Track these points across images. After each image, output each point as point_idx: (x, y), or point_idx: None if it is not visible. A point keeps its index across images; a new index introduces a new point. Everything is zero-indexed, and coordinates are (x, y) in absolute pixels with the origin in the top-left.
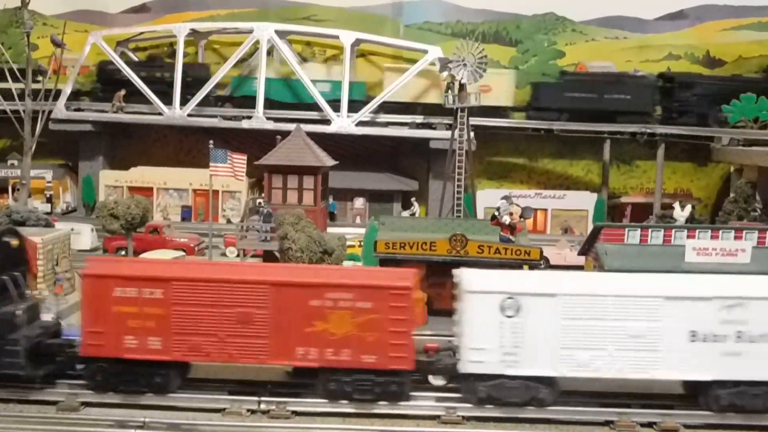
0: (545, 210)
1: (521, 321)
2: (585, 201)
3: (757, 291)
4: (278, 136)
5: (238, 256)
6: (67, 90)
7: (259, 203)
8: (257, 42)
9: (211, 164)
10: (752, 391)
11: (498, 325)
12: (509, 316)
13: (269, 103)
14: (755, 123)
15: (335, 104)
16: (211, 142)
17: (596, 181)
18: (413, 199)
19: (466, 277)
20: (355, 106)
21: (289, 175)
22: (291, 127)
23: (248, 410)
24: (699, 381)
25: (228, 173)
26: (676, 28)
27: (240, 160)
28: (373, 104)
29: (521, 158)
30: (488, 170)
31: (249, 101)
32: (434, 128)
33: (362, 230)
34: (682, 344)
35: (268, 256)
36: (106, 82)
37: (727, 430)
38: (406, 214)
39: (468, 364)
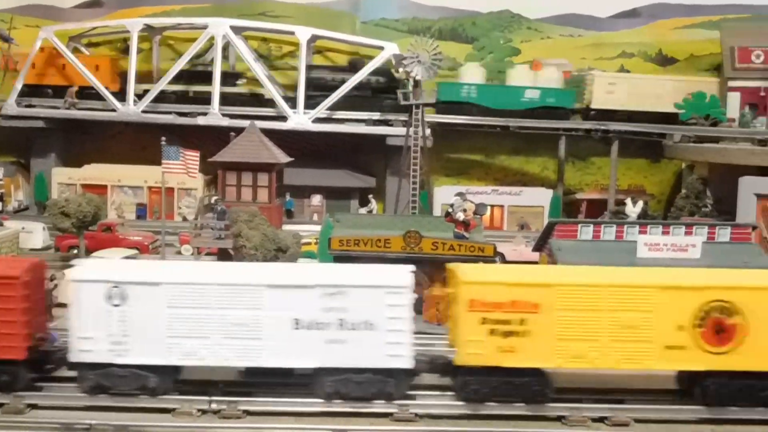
0: (502, 206)
1: (128, 310)
2: (541, 197)
3: (356, 279)
4: (232, 133)
5: (193, 254)
6: (18, 86)
7: (215, 201)
8: (212, 38)
9: (163, 161)
10: (356, 378)
11: (105, 314)
12: (116, 305)
13: (477, 109)
14: (706, 120)
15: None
16: (163, 138)
17: (552, 178)
18: (371, 196)
19: (75, 268)
20: (557, 113)
21: (243, 172)
22: (247, 124)
23: (199, 410)
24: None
25: (181, 170)
26: (629, 26)
27: (193, 157)
28: (328, 101)
29: (479, 155)
30: (446, 167)
31: (454, 107)
32: (391, 125)
33: (319, 227)
34: (286, 332)
35: (222, 255)
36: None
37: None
38: (363, 211)
39: (78, 353)
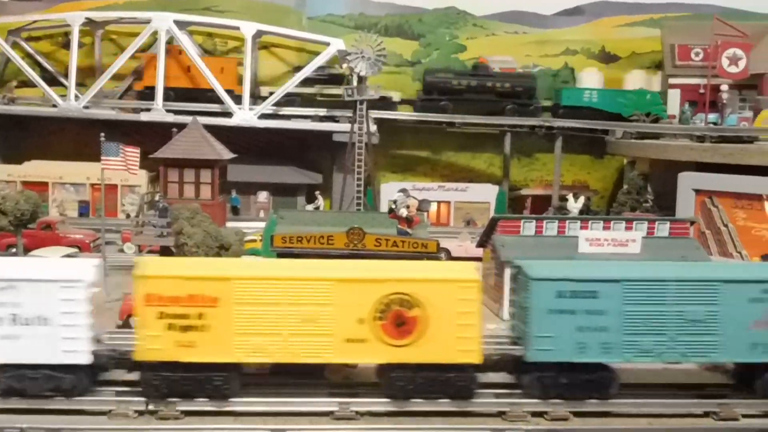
0: (448, 202)
1: None
2: (487, 193)
3: (28, 273)
4: (174, 129)
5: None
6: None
7: (156, 198)
8: (156, 33)
9: (102, 158)
10: (31, 374)
11: None
12: None
13: (590, 112)
14: (647, 117)
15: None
16: (102, 134)
17: (498, 174)
18: (317, 192)
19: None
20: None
21: (185, 168)
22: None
23: (136, 411)
24: None
25: (120, 167)
26: (573, 24)
27: (133, 154)
28: (274, 97)
29: (425, 151)
30: (393, 163)
31: (576, 112)
32: (337, 121)
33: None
34: None
35: (164, 252)
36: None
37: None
38: (310, 207)
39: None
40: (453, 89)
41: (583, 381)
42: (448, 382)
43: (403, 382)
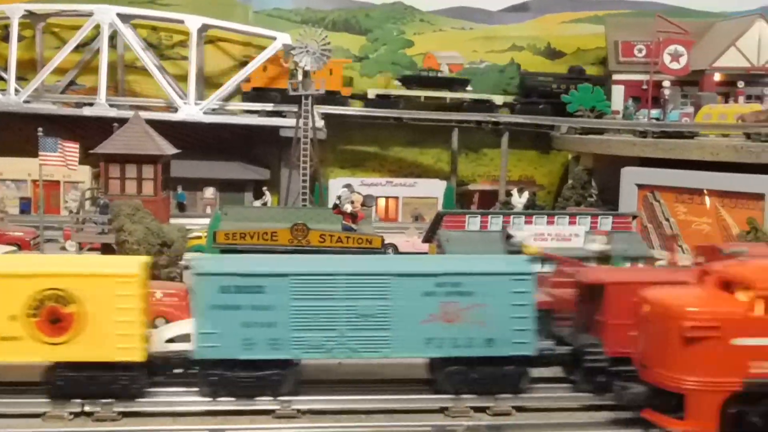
0: (397, 198)
1: None
2: (435, 189)
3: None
4: (115, 124)
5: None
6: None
7: (98, 194)
8: (99, 26)
9: (40, 153)
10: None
11: None
12: None
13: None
14: (591, 112)
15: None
16: (39, 129)
17: (446, 169)
18: (265, 188)
19: None
20: None
21: (127, 164)
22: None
23: (71, 413)
24: None
25: (59, 162)
26: (519, 20)
27: (72, 149)
28: (220, 92)
29: (373, 147)
30: (341, 159)
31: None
32: (284, 116)
33: None
34: None
35: (106, 250)
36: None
37: None
38: (258, 203)
39: None
40: (552, 92)
41: (255, 379)
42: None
43: (63, 382)
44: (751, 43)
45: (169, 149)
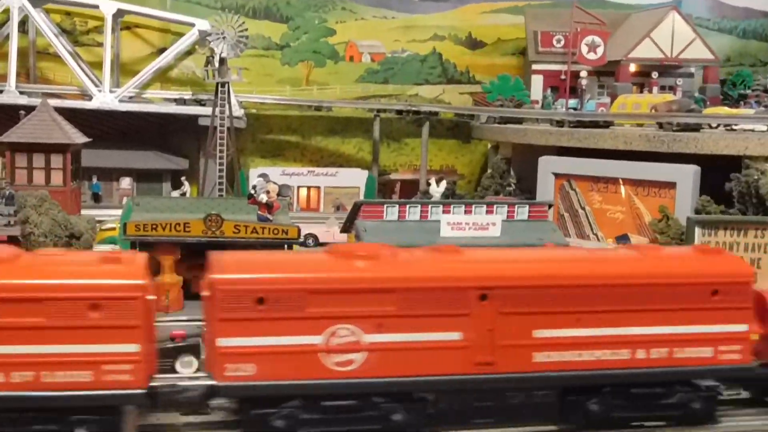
0: (318, 187)
1: None
2: (357, 178)
3: None
4: (22, 111)
5: None
6: None
7: (3, 185)
8: (8, 9)
9: None
10: None
11: None
12: None
13: None
14: (511, 102)
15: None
16: None
17: (368, 159)
18: (183, 178)
19: None
20: None
21: (34, 153)
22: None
23: None
24: None
25: None
26: (440, 10)
27: None
28: (136, 80)
29: (294, 136)
30: (261, 148)
31: None
32: (204, 104)
33: None
34: None
35: (11, 242)
36: None
37: None
38: (176, 194)
39: None
40: None
41: None
42: None
43: None
44: (665, 35)
45: (79, 138)
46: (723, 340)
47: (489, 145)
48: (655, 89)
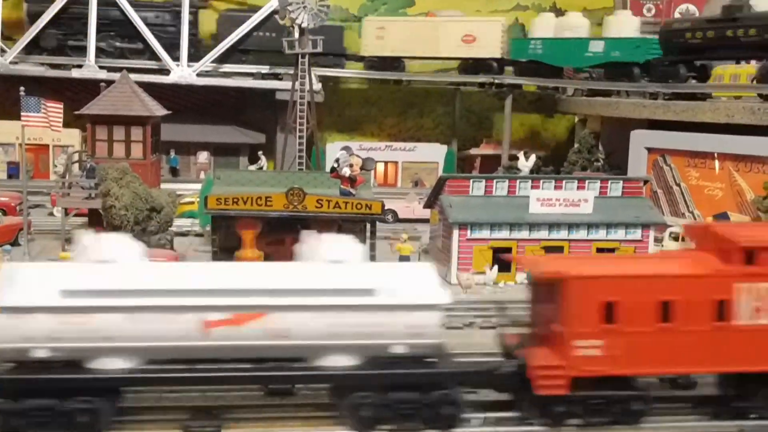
0: (396, 162)
1: None
2: (435, 153)
3: None
4: (102, 84)
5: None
6: None
7: (85, 157)
8: None
9: (22, 113)
10: None
11: None
12: None
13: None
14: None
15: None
16: (22, 89)
17: (446, 133)
18: (260, 152)
19: None
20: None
21: (114, 126)
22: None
23: None
24: None
25: (43, 123)
26: None
27: (56, 109)
28: (215, 52)
29: (372, 110)
30: (338, 122)
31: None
32: (281, 79)
33: None
34: None
35: (92, 216)
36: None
37: None
38: (253, 168)
39: None
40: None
41: None
42: None
43: None
44: (763, 3)
45: (159, 110)
46: None
47: (576, 119)
48: (753, 60)
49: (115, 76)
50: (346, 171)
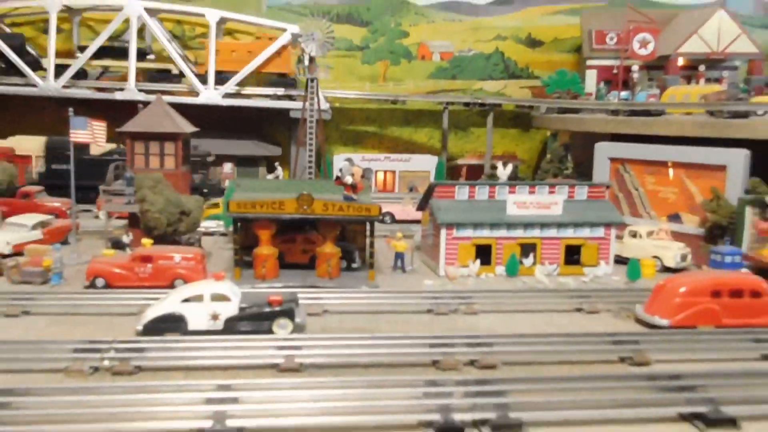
0: (394, 171)
1: None
2: (428, 163)
3: None
4: (140, 105)
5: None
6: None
7: (124, 168)
8: (129, 19)
9: (71, 131)
10: None
11: None
12: None
13: None
14: (567, 94)
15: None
16: (70, 109)
17: (437, 146)
18: (277, 163)
19: None
20: None
21: (150, 141)
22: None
23: (91, 368)
24: None
25: (88, 138)
26: (503, 13)
27: (100, 127)
28: (237, 78)
29: (372, 126)
30: (343, 137)
31: None
32: (294, 100)
33: None
34: None
35: (131, 218)
36: None
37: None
38: (270, 177)
39: None
40: None
41: None
42: None
43: None
44: (712, 31)
45: (188, 127)
46: None
47: (548, 133)
48: (702, 81)
49: (151, 98)
50: (348, 179)
